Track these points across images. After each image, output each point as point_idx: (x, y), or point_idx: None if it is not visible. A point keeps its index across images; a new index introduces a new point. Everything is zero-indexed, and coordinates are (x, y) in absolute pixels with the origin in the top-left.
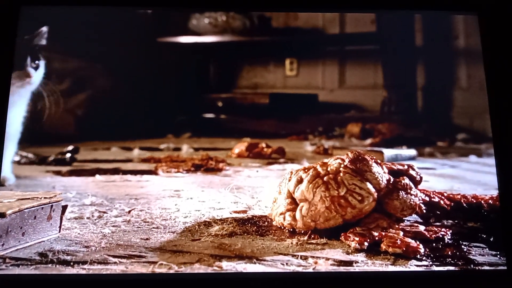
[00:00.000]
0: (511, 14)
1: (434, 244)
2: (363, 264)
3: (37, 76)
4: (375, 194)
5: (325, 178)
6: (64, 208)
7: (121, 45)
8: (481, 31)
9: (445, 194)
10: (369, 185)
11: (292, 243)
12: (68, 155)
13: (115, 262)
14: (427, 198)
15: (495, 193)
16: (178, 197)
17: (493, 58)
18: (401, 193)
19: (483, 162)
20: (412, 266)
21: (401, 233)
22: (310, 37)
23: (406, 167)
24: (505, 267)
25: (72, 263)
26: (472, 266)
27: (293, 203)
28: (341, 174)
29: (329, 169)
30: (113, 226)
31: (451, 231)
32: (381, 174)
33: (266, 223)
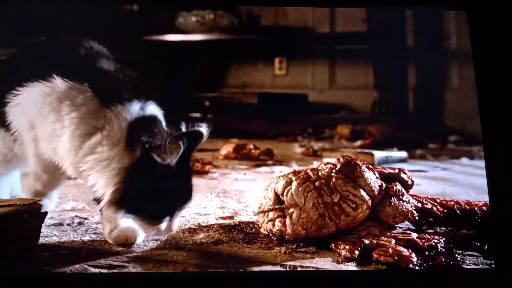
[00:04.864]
0: (499, 10)
1: (427, 253)
2: None
3: None
4: (369, 202)
5: (316, 183)
6: (43, 215)
7: (106, 43)
8: (470, 28)
9: (438, 201)
10: (362, 192)
11: (280, 251)
12: None
13: (94, 272)
14: (419, 205)
15: (487, 196)
16: None
17: (483, 55)
18: (393, 200)
19: (475, 164)
20: None
21: (393, 241)
22: (300, 36)
23: (397, 170)
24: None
25: (50, 273)
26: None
27: (281, 210)
28: (333, 180)
29: (320, 174)
30: (94, 233)
31: (444, 238)
32: (374, 180)
33: (254, 230)
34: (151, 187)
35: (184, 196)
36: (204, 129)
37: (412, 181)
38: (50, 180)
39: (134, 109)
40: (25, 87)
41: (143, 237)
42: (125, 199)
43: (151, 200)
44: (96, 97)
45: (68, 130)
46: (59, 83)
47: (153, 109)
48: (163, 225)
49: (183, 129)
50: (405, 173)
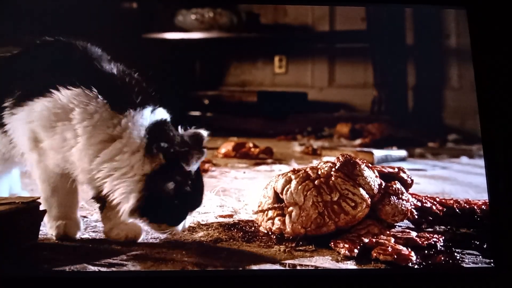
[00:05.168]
0: (499, 9)
1: (426, 251)
2: None
3: None
4: (369, 200)
5: (316, 182)
6: (42, 213)
7: (105, 41)
8: (469, 26)
9: (438, 199)
10: (362, 191)
11: (279, 250)
12: None
13: (94, 271)
14: (419, 203)
15: (486, 195)
16: None
17: (482, 54)
18: (392, 198)
19: (475, 163)
20: None
21: (392, 240)
22: (300, 34)
23: (396, 169)
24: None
25: (50, 271)
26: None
27: (280, 208)
28: (333, 179)
29: (319, 172)
30: (93, 231)
31: (443, 237)
32: (373, 178)
33: (253, 228)
34: (173, 193)
35: (199, 198)
36: (203, 131)
37: (412, 180)
38: (64, 198)
39: (147, 113)
40: (24, 107)
41: (143, 235)
42: (148, 206)
43: (172, 205)
44: (108, 103)
45: (82, 139)
46: (62, 94)
47: (162, 112)
48: (179, 227)
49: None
50: (404, 172)
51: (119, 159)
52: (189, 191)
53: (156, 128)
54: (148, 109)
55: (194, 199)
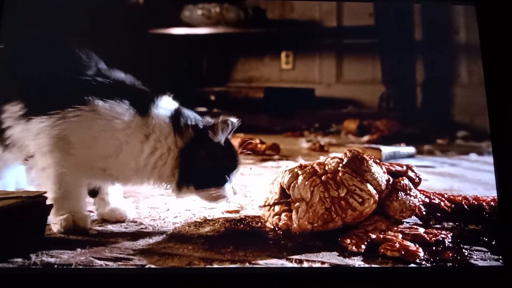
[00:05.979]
0: (508, 4)
1: (434, 248)
2: None
3: None
4: (376, 196)
5: (323, 178)
6: (49, 207)
7: (111, 36)
8: (479, 22)
9: (446, 196)
10: (369, 187)
11: (286, 245)
12: None
13: (100, 265)
14: (427, 200)
15: (495, 192)
16: (168, 195)
17: (491, 50)
18: (400, 194)
19: (484, 160)
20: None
21: (400, 236)
22: (307, 29)
23: (404, 168)
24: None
25: (56, 266)
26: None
27: (287, 204)
28: (340, 174)
29: (326, 168)
30: (100, 226)
31: (451, 233)
32: (381, 174)
33: (259, 224)
34: (206, 158)
35: (233, 161)
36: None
37: (420, 179)
38: (74, 194)
39: (165, 103)
40: (51, 115)
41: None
42: (190, 175)
43: (210, 168)
44: (138, 112)
45: (125, 146)
46: (99, 105)
47: (169, 99)
48: (227, 189)
49: None
50: (413, 171)
51: (159, 147)
52: (221, 154)
53: (176, 113)
54: (164, 98)
55: (228, 161)
